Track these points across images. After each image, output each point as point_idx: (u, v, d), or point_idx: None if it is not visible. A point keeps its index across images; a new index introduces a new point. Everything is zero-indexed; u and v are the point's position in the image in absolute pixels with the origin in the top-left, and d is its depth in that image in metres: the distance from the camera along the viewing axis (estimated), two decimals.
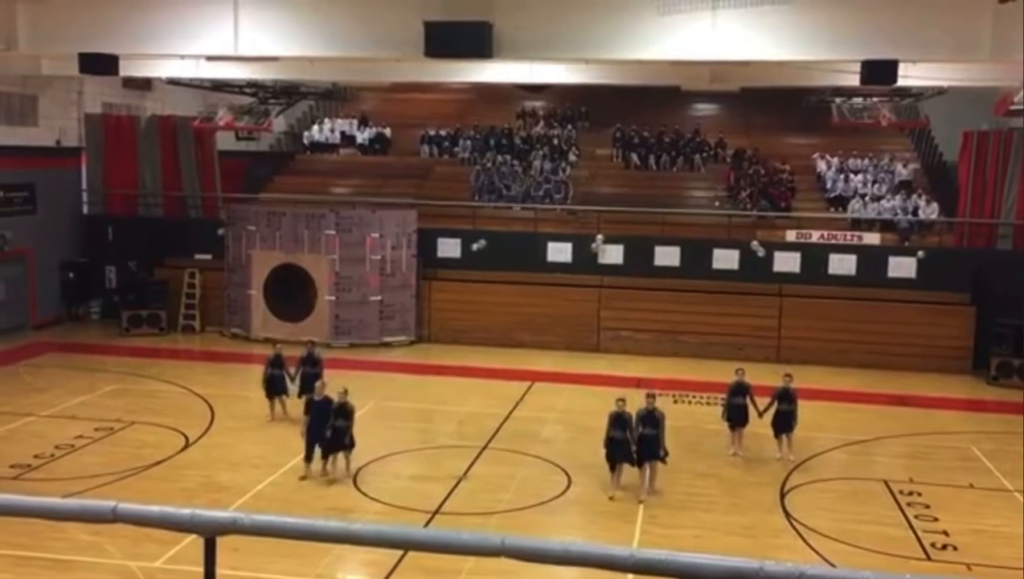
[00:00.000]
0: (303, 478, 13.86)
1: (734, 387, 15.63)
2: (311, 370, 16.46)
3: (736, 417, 15.56)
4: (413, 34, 13.94)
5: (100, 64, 16.35)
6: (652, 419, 13.52)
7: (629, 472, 13.62)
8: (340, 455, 13.94)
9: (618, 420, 13.48)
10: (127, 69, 19.84)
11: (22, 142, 23.89)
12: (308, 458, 13.92)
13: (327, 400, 14.03)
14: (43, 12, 15.73)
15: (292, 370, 16.69)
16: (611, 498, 13.36)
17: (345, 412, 13.89)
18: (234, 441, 15.71)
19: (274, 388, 16.59)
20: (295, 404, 15.94)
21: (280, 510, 12.57)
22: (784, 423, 15.36)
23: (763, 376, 21.59)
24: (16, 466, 14.20)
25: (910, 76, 16.90)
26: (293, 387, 16.54)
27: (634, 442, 13.51)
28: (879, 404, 19.46)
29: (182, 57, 19.08)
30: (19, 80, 23.32)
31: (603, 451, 13.64)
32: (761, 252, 22.94)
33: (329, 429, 13.76)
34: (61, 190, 25.35)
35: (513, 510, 13.07)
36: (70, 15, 15.76)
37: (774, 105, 29.01)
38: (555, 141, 28.87)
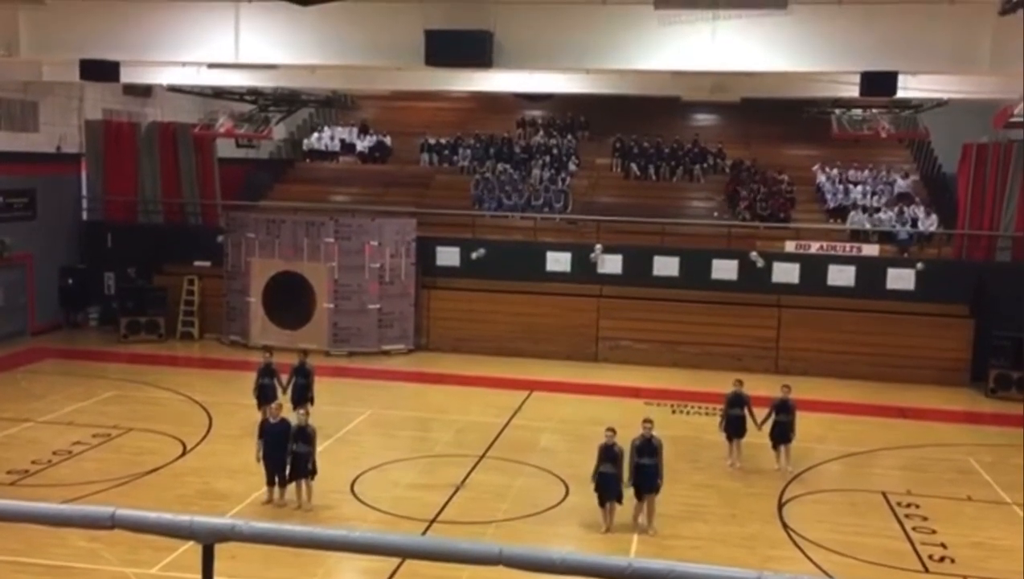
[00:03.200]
0: (267, 502, 13.20)
1: (732, 398, 15.62)
2: (302, 381, 16.43)
3: (734, 428, 15.55)
4: (414, 42, 13.97)
5: (101, 71, 16.39)
6: (650, 448, 12.73)
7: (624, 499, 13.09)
8: (303, 483, 13.15)
9: (608, 453, 12.65)
10: (128, 76, 19.84)
11: (23, 148, 23.90)
12: (271, 482, 13.23)
13: (283, 423, 13.24)
14: (45, 18, 15.76)
15: (284, 378, 16.58)
16: (606, 531, 12.67)
17: (305, 436, 13.01)
18: (232, 448, 15.67)
19: (265, 397, 16.41)
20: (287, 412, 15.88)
21: (278, 518, 12.56)
22: (782, 434, 15.33)
23: (762, 387, 21.60)
24: (13, 472, 14.17)
25: (910, 88, 16.95)
26: (284, 397, 16.40)
27: (631, 473, 12.66)
28: (877, 416, 19.44)
29: (183, 64, 19.18)
30: (20, 86, 23.36)
31: (592, 486, 12.82)
32: (760, 263, 22.96)
33: (288, 455, 12.98)
34: (61, 196, 25.36)
35: (511, 519, 13.05)
36: (71, 21, 15.79)
37: (774, 116, 29.05)
38: (555, 150, 28.92)
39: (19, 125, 23.90)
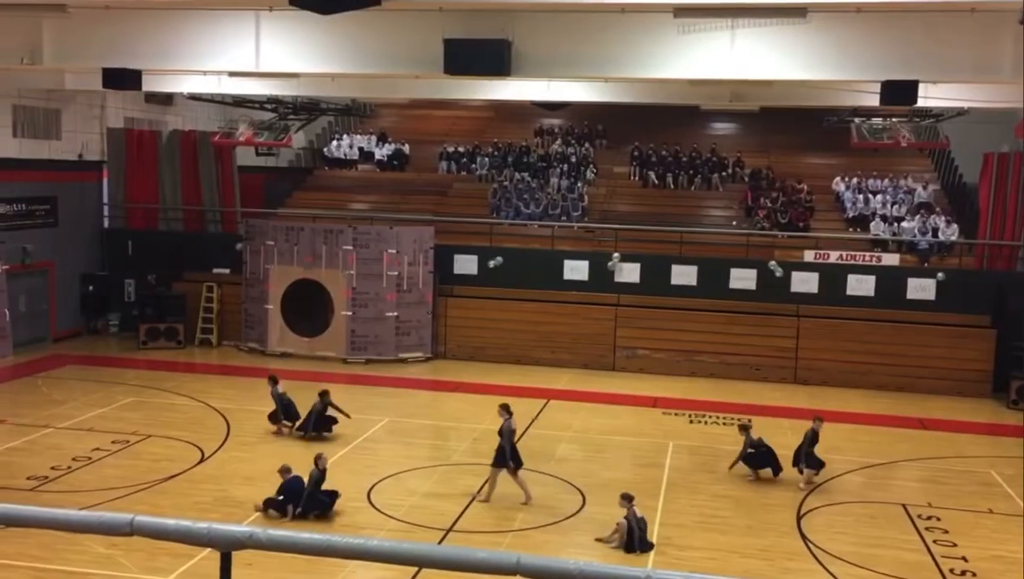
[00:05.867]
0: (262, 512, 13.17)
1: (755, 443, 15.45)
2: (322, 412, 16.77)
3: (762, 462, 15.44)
4: (433, 51, 14.04)
5: (123, 79, 16.56)
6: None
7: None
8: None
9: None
10: (149, 84, 20.06)
11: (45, 155, 24.14)
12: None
13: (297, 479, 13.20)
14: (68, 27, 15.93)
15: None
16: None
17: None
18: (249, 455, 15.73)
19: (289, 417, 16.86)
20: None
21: (295, 526, 12.58)
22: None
23: (781, 398, 21.51)
24: (33, 478, 14.27)
25: (930, 97, 16.87)
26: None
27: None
28: (897, 427, 19.29)
29: (204, 73, 19.31)
30: (43, 94, 23.60)
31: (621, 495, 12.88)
32: (779, 272, 22.84)
33: (319, 495, 13.03)
34: (82, 203, 25.57)
35: (527, 529, 13.02)
36: (94, 31, 15.95)
37: (793, 125, 28.98)
38: (573, 159, 28.92)
39: (42, 133, 24.13)
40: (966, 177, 26.87)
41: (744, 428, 15.53)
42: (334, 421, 16.77)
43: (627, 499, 12.52)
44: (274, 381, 17.01)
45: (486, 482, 14.00)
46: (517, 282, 23.81)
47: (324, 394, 16.83)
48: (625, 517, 12.38)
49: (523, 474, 13.99)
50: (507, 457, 13.79)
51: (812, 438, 15.17)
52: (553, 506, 13.89)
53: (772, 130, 29.82)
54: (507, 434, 13.79)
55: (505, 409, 14.03)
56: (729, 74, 14.45)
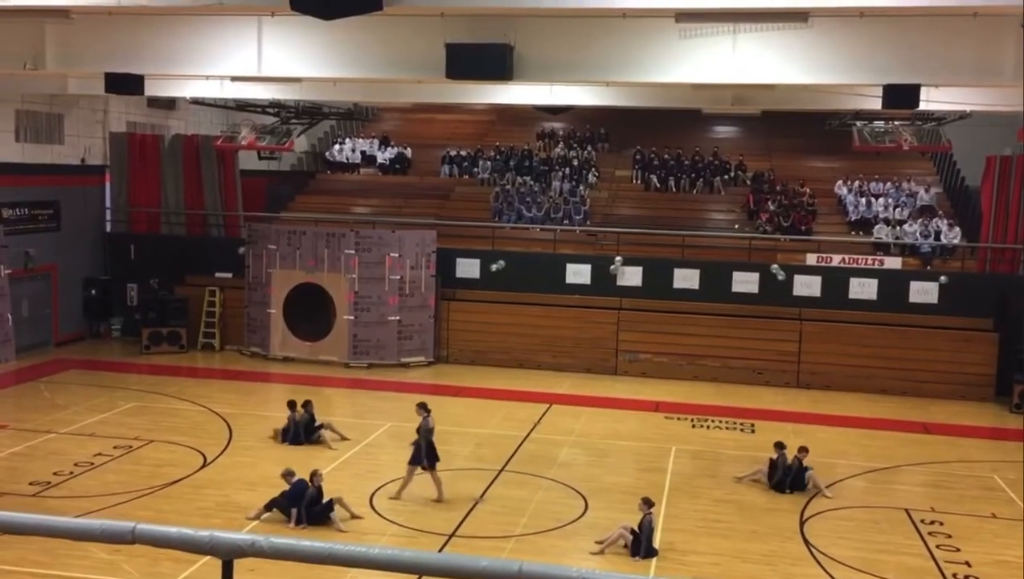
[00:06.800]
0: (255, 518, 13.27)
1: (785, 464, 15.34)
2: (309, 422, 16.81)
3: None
4: (435, 55, 14.03)
5: (126, 84, 16.58)
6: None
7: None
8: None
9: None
10: (152, 89, 20.08)
11: (48, 160, 24.18)
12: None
13: (302, 482, 13.22)
14: (70, 32, 15.94)
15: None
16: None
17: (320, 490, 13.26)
18: (252, 460, 15.73)
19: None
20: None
21: (297, 533, 12.57)
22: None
23: (783, 402, 21.47)
24: (36, 483, 14.27)
25: (932, 100, 16.83)
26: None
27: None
28: (900, 431, 19.25)
29: (207, 77, 19.34)
30: (46, 99, 23.64)
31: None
32: (781, 276, 22.82)
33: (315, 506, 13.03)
34: (85, 208, 25.60)
35: (530, 534, 13.00)
36: (97, 35, 15.97)
37: (795, 128, 29.00)
38: (575, 162, 28.93)
39: (45, 137, 24.17)
40: (968, 180, 26.84)
41: (779, 446, 15.30)
42: (320, 428, 16.81)
43: (647, 504, 12.50)
44: (293, 406, 16.90)
45: (404, 480, 14.17)
46: (519, 286, 23.81)
47: (308, 404, 16.91)
48: (639, 522, 12.35)
49: (441, 473, 14.26)
50: (422, 455, 13.99)
51: (798, 466, 15.11)
52: (556, 511, 13.87)
53: (774, 133, 29.84)
54: (424, 432, 13.98)
55: (423, 407, 14.24)
56: (731, 78, 14.46)
